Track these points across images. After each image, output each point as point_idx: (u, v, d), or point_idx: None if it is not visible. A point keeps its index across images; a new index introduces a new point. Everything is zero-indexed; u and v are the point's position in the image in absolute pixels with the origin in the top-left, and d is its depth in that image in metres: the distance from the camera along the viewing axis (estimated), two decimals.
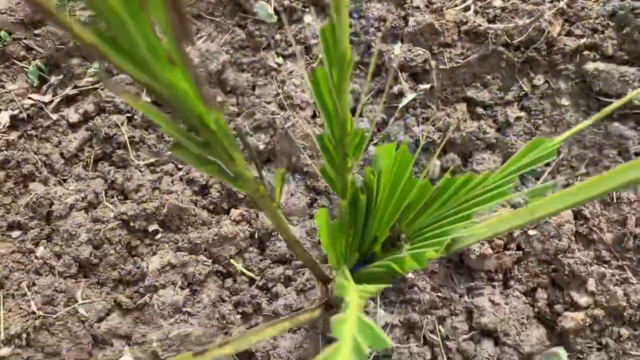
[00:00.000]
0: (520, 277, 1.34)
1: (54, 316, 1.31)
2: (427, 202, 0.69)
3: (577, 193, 0.45)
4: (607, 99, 1.37)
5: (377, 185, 0.64)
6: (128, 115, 1.48)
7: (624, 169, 0.45)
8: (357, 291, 0.53)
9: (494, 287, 1.34)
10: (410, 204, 0.70)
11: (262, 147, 1.45)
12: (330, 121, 0.56)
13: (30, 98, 1.46)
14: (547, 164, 1.41)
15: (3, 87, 1.45)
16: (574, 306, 1.28)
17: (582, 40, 1.41)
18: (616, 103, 0.67)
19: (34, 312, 1.30)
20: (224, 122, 0.44)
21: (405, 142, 0.71)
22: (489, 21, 1.47)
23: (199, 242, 1.39)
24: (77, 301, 1.34)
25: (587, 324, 1.25)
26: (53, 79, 1.49)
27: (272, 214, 0.61)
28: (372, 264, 0.66)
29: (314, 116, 1.51)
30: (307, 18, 1.61)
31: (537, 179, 1.40)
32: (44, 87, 1.49)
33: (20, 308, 1.32)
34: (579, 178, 1.38)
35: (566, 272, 1.28)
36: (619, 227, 1.32)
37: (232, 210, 1.44)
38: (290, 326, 0.70)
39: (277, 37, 1.57)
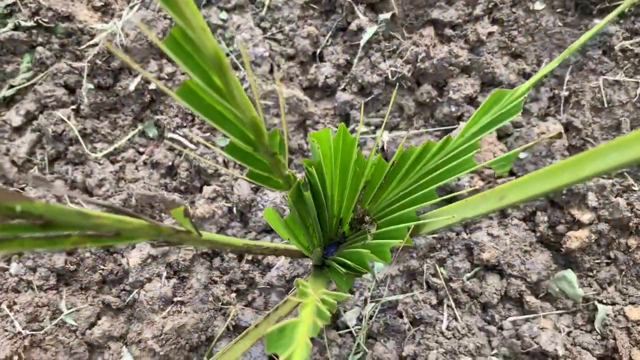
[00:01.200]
0: None
1: (42, 332, 1.25)
2: (385, 179, 0.60)
3: (555, 176, 0.36)
4: None
5: (321, 175, 0.55)
6: (73, 107, 1.36)
7: (611, 147, 0.34)
8: (315, 300, 0.45)
9: (491, 219, 1.27)
10: (368, 182, 0.61)
11: None
12: (236, 130, 0.45)
13: None
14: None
15: None
16: (577, 224, 1.21)
17: None
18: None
19: (20, 333, 1.24)
20: None
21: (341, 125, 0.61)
22: None
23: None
24: (62, 312, 1.27)
25: (593, 240, 1.18)
26: None
27: (200, 244, 0.52)
28: (340, 253, 0.58)
29: (271, 71, 1.39)
30: None
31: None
32: None
33: (5, 330, 1.25)
34: (564, 88, 1.27)
35: (564, 191, 1.20)
36: (614, 134, 1.23)
37: (205, 187, 1.35)
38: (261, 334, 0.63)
39: None
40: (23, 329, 1.24)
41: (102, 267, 1.31)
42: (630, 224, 1.16)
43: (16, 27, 1.33)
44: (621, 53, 1.22)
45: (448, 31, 1.33)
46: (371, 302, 1.27)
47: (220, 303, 1.31)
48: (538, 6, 1.29)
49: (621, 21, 1.24)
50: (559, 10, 1.28)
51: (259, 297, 1.33)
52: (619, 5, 1.24)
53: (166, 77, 1.37)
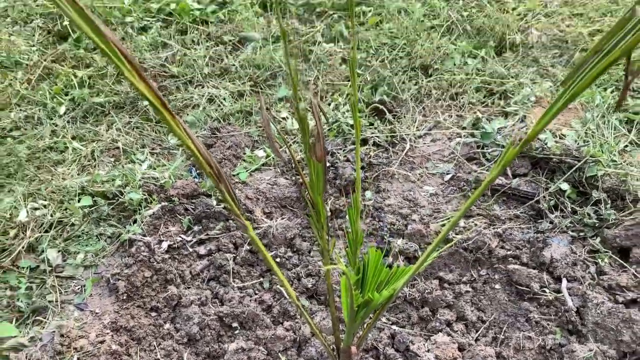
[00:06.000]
0: None
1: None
2: None
3: None
4: (521, 287, 2.28)
5: None
6: (234, 254, 2.46)
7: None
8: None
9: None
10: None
11: (309, 285, 2.37)
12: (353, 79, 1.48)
13: (180, 237, 2.48)
14: (484, 321, 2.26)
15: (167, 228, 2.49)
16: None
17: (509, 252, 2.38)
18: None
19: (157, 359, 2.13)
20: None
21: None
22: (456, 233, 2.46)
23: (261, 337, 2.24)
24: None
25: None
26: (195, 228, 2.53)
27: (319, 232, 1.51)
28: None
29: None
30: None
31: (477, 331, 2.24)
32: (189, 232, 2.52)
33: (150, 357, 2.15)
34: (502, 333, 2.21)
35: None
36: None
37: (285, 322, 2.31)
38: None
39: (329, 224, 2.60)
40: (161, 358, 2.13)
41: (212, 345, 2.23)
42: None
43: (225, 207, 2.54)
44: (535, 323, 2.18)
45: (446, 285, 2.37)
46: None
47: None
48: (497, 286, 2.32)
49: (537, 306, 2.23)
50: (507, 292, 2.30)
51: None
52: (543, 296, 2.24)
53: (285, 257, 2.47)
